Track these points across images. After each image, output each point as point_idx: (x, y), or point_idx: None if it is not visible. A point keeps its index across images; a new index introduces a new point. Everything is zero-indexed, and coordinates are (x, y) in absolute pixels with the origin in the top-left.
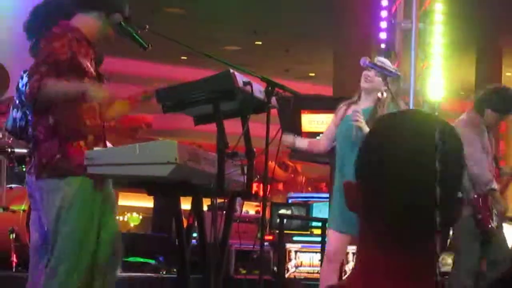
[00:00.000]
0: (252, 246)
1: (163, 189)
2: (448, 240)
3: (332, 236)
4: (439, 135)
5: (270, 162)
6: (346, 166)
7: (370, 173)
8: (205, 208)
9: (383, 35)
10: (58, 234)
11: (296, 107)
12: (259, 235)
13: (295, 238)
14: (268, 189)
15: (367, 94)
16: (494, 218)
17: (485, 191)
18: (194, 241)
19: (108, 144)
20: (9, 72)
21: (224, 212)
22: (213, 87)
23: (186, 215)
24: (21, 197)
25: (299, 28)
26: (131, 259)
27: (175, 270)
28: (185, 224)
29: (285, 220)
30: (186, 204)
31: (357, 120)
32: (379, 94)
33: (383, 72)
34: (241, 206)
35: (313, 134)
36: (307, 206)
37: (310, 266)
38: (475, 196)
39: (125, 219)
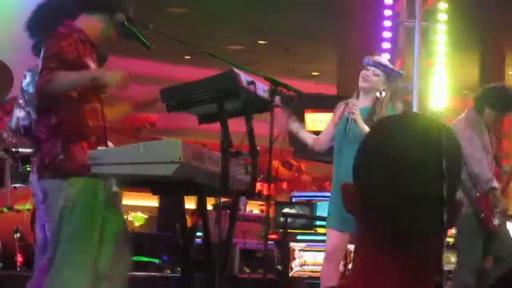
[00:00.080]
0: (256, 245)
1: (167, 188)
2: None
3: (331, 234)
4: (438, 138)
5: (274, 161)
6: (344, 165)
7: (368, 174)
8: (209, 207)
9: (386, 34)
10: (61, 234)
11: (299, 106)
12: (263, 234)
13: (299, 237)
14: (272, 188)
15: (365, 93)
16: (496, 216)
17: (486, 190)
18: (198, 240)
19: (110, 144)
20: (13, 71)
21: (228, 211)
22: (217, 87)
23: (190, 214)
24: (26, 196)
25: (302, 27)
26: (135, 258)
27: (179, 269)
28: (189, 223)
29: (289, 219)
30: (191, 204)
31: (352, 113)
32: (377, 94)
33: (386, 71)
34: (245, 205)
35: (317, 133)
36: (311, 205)
37: (314, 265)
38: (477, 195)
39: (130, 219)
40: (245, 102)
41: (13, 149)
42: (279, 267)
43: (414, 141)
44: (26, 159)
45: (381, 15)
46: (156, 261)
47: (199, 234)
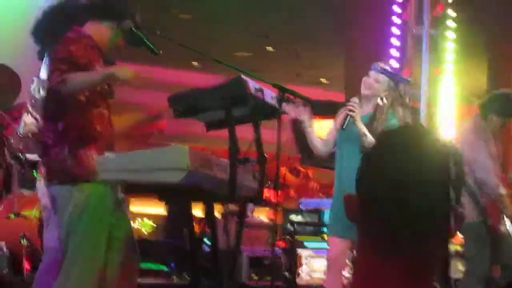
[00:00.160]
0: (264, 252)
1: (175, 195)
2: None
3: (332, 242)
4: (440, 151)
5: (281, 167)
6: (344, 172)
7: (371, 185)
8: (217, 214)
9: (394, 41)
10: (70, 239)
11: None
12: (270, 241)
13: (306, 244)
14: (280, 195)
15: (367, 100)
16: (505, 222)
17: (493, 197)
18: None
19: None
20: (21, 77)
21: (236, 218)
22: (225, 93)
23: (198, 222)
24: (33, 202)
25: (310, 33)
26: (143, 265)
27: (187, 276)
28: (197, 230)
29: (296, 226)
30: (199, 210)
31: (351, 111)
32: (379, 100)
33: (392, 76)
34: (252, 211)
35: None
36: (318, 212)
37: (321, 272)
38: (485, 201)
39: (137, 226)
40: (253, 109)
41: (20, 155)
42: (287, 274)
43: (417, 154)
44: (33, 165)
45: (389, 22)
46: (164, 268)
47: (206, 241)
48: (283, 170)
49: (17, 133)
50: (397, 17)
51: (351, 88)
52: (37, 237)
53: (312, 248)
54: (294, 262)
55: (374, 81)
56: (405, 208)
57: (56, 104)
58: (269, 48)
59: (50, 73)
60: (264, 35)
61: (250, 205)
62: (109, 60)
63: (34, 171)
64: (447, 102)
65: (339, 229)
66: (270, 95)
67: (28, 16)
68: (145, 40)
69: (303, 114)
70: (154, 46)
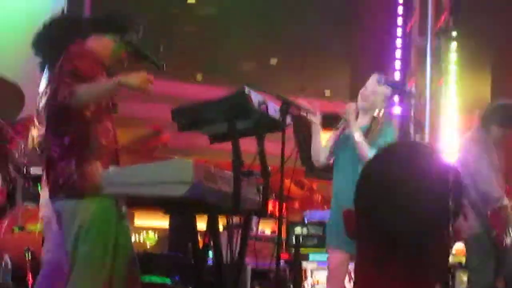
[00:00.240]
0: (268, 265)
1: (179, 208)
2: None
3: (332, 255)
4: (438, 167)
5: (285, 180)
6: (340, 183)
7: (369, 201)
8: (221, 227)
9: (398, 53)
10: (77, 254)
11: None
12: (275, 254)
13: (311, 257)
14: (284, 208)
15: (364, 113)
16: (510, 234)
17: (496, 208)
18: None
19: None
20: (25, 92)
21: (240, 231)
22: (228, 106)
23: (203, 235)
24: (37, 216)
25: (314, 45)
26: (146, 278)
27: None
28: (201, 244)
29: (301, 239)
30: (202, 222)
31: (345, 113)
32: (376, 113)
33: (398, 89)
34: (257, 224)
35: None
36: (323, 224)
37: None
38: (489, 213)
39: (141, 239)
40: (257, 122)
41: (24, 169)
42: (291, 287)
43: (415, 169)
44: (37, 179)
45: (393, 34)
46: (168, 281)
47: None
48: (287, 182)
49: (22, 147)
50: (400, 28)
51: (356, 98)
52: (41, 251)
53: (316, 261)
54: (298, 275)
55: (371, 93)
56: (405, 218)
57: (62, 119)
58: (274, 60)
59: (55, 88)
60: (269, 47)
61: (255, 218)
62: (112, 74)
63: (38, 184)
64: (450, 113)
65: (339, 243)
66: (273, 108)
67: (31, 28)
68: (148, 55)
69: (316, 112)
70: (157, 60)
